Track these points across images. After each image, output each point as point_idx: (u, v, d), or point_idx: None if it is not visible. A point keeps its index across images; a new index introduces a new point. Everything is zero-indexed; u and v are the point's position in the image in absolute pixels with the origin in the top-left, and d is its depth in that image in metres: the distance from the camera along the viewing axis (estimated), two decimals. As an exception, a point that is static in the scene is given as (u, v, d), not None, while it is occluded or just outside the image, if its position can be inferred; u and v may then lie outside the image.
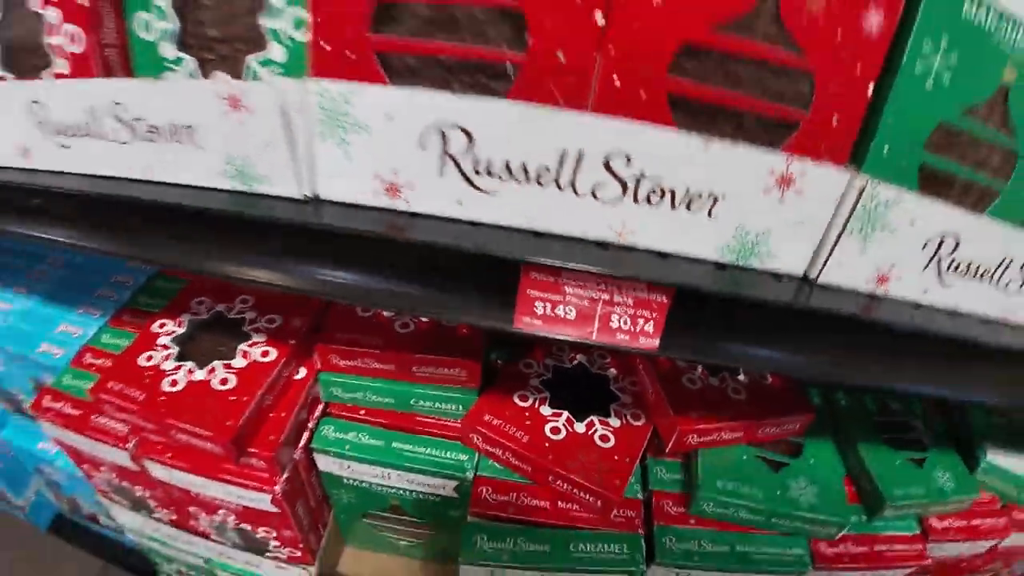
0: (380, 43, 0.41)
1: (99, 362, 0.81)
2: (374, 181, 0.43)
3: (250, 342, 0.72)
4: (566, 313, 0.45)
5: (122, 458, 0.73)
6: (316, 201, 0.46)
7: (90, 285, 1.01)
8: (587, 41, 0.38)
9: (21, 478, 1.22)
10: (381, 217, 0.45)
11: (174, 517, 0.82)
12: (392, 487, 0.72)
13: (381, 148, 0.42)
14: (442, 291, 0.48)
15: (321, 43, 0.42)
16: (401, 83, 0.41)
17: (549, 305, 0.45)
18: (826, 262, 0.44)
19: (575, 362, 0.80)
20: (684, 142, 0.39)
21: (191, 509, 0.76)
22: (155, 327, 0.74)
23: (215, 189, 0.49)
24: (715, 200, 0.41)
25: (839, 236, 0.43)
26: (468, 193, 0.42)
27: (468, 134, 0.39)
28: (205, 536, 0.82)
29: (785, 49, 0.39)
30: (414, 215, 0.45)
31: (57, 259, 1.09)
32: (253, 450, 0.65)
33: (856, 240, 0.43)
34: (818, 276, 0.46)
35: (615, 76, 0.39)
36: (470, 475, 0.69)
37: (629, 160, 0.39)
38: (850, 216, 0.42)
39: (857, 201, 0.41)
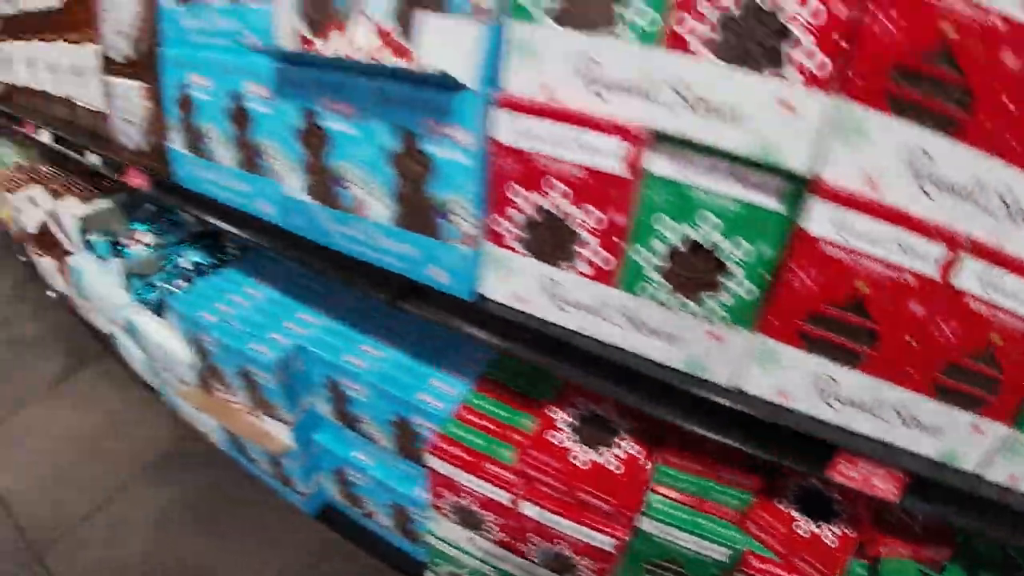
0: (802, 327, 0.95)
1: (476, 420, 1.29)
2: (774, 388, 0.98)
3: (621, 437, 1.25)
4: (853, 473, 1.02)
5: (500, 496, 1.24)
6: (738, 392, 1.02)
7: (446, 350, 1.47)
8: (905, 353, 0.95)
9: (314, 472, 1.74)
10: (766, 406, 1.00)
11: (505, 539, 1.31)
12: (682, 546, 1.22)
13: (785, 376, 0.94)
14: (785, 446, 1.03)
15: (769, 317, 0.95)
16: (807, 349, 0.95)
17: (848, 468, 1.01)
18: (989, 468, 0.97)
19: (814, 486, 1.32)
20: (934, 407, 0.95)
21: (530, 535, 1.26)
22: (549, 412, 1.26)
23: (668, 367, 1.07)
24: (940, 432, 0.98)
25: (999, 455, 0.99)
26: (821, 406, 0.98)
27: (836, 381, 0.97)
28: (520, 554, 1.33)
29: (994, 370, 0.96)
30: (781, 407, 1.01)
31: (417, 324, 1.48)
32: (624, 511, 1.18)
33: (1007, 457, 0.97)
34: (984, 474, 0.98)
35: (910, 368, 0.96)
36: (742, 548, 1.20)
37: (907, 406, 0.97)
38: (1008, 449, 0.97)
39: (1013, 442, 0.96)
